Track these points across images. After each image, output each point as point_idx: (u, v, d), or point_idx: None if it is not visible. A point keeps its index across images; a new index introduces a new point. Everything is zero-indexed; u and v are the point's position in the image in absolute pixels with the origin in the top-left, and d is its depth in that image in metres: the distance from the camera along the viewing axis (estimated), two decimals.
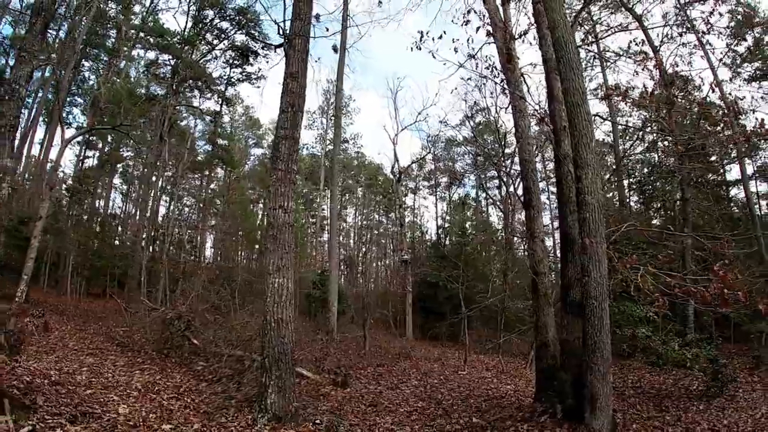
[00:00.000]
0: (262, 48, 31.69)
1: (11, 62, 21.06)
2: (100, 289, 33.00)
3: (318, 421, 7.94)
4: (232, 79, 35.39)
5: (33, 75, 7.79)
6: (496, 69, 13.02)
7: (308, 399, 9.83)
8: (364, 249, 56.57)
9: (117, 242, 38.05)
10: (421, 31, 12.49)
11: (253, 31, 31.61)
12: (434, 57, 12.71)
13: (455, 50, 12.50)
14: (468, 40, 12.63)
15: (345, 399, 10.85)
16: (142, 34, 31.22)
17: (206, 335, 13.40)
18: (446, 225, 46.12)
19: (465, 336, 21.51)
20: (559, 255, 10.90)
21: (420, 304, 32.03)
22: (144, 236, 28.83)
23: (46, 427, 6.00)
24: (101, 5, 25.55)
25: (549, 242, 33.69)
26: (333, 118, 34.91)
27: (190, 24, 30.45)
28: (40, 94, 31.17)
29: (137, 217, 35.07)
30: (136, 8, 31.77)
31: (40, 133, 35.44)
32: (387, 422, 8.98)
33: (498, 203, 34.52)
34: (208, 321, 14.62)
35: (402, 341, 25.28)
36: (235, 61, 34.07)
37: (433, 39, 12.38)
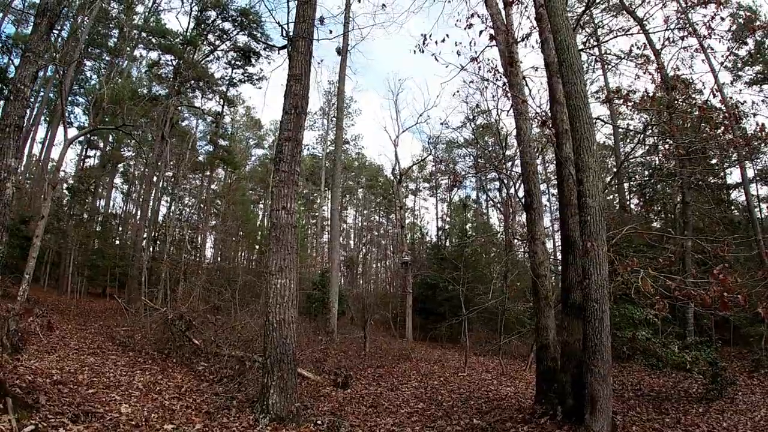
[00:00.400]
0: (265, 49, 31.73)
1: (15, 61, 21.12)
2: (100, 288, 33.14)
3: (319, 422, 7.97)
4: (234, 80, 35.44)
5: (38, 75, 7.81)
6: (498, 72, 13.07)
7: (309, 400, 9.87)
8: (364, 250, 56.57)
9: (117, 242, 38.17)
10: (424, 34, 12.55)
11: (255, 32, 31.63)
12: (437, 60, 12.75)
13: (458, 53, 12.52)
14: (470, 43, 12.67)
15: (346, 400, 10.89)
16: (144, 35, 31.27)
17: (207, 336, 13.42)
18: (446, 227, 46.19)
19: (465, 338, 21.51)
20: (559, 257, 10.91)
21: (420, 306, 32.05)
22: (145, 236, 28.85)
23: (49, 426, 6.02)
24: (104, 5, 25.58)
25: (549, 245, 33.74)
26: (334, 119, 34.97)
27: (192, 24, 30.49)
28: (42, 94, 31.27)
29: (138, 217, 35.13)
30: (139, 8, 31.82)
31: (41, 132, 35.57)
32: (388, 423, 9.01)
33: (498, 205, 34.55)
34: (209, 321, 14.65)
35: (402, 342, 25.29)
36: (237, 62, 34.10)
37: (435, 42, 12.42)
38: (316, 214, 52.36)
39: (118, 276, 32.13)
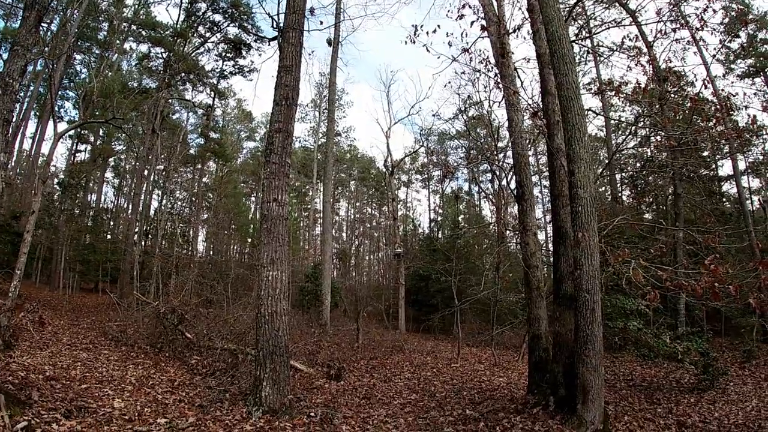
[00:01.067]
0: (255, 41, 31.54)
1: (4, 55, 20.94)
2: (92, 283, 33.09)
3: (312, 414, 7.98)
4: (225, 72, 35.24)
5: (26, 69, 7.73)
6: (490, 63, 13.03)
7: (302, 392, 9.87)
8: (356, 242, 56.56)
9: (109, 236, 38.02)
10: (415, 25, 12.48)
11: (245, 24, 31.44)
12: (428, 51, 12.66)
13: (449, 44, 12.47)
14: (462, 34, 12.61)
15: (339, 392, 10.90)
16: (134, 27, 31.05)
17: (199, 329, 13.40)
18: (439, 218, 46.23)
19: (458, 329, 21.59)
20: (551, 248, 10.94)
21: (412, 297, 32.12)
22: (136, 230, 28.74)
23: (42, 422, 6.03)
24: None
25: (541, 236, 33.84)
26: (326, 111, 34.85)
27: (182, 16, 30.28)
28: (31, 88, 31.02)
29: (129, 211, 34.99)
30: (128, 0, 31.57)
31: (31, 127, 35.35)
32: (381, 414, 9.02)
33: (491, 197, 34.59)
34: (202, 315, 14.61)
35: (395, 334, 25.35)
36: (228, 54, 33.90)
37: (427, 33, 12.36)
38: (309, 206, 52.24)
39: (110, 271, 32.08)
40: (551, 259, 11.37)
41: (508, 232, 23.44)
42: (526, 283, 11.49)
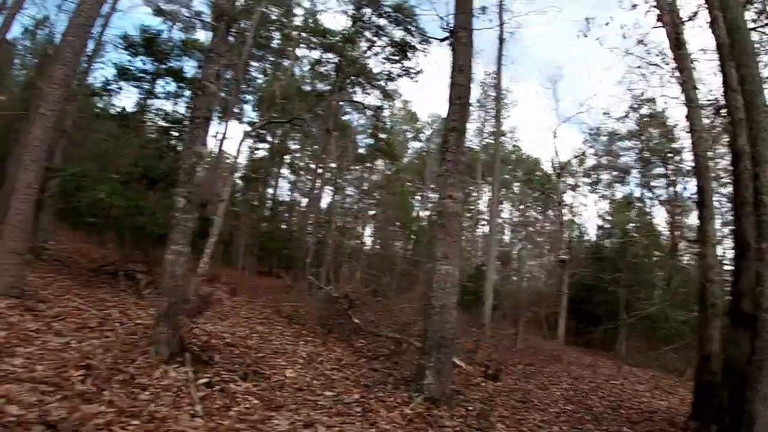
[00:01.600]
0: (420, 42, 31.95)
1: (189, 64, 23.46)
2: (267, 267, 35.80)
3: (470, 408, 8.12)
4: (392, 75, 36.13)
5: (220, 73, 8.71)
6: (665, 56, 12.38)
7: (460, 386, 10.05)
8: (519, 246, 55.53)
9: (285, 226, 40.95)
10: (588, 18, 12.21)
11: (410, 27, 32.07)
12: (601, 44, 12.33)
13: (623, 36, 12.04)
14: (634, 25, 12.13)
15: (495, 392, 10.92)
16: (304, 35, 32.98)
17: (366, 316, 14.04)
18: (607, 225, 44.17)
19: (622, 345, 20.62)
20: (728, 262, 10.20)
21: (574, 307, 31.04)
22: (310, 222, 30.70)
23: (221, 380, 6.76)
24: (264, 8, 27.23)
25: (718, 250, 31.22)
26: (492, 110, 34.68)
27: (349, 23, 31.66)
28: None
29: (305, 204, 37.40)
30: (298, 11, 33.57)
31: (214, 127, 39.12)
32: (535, 419, 8.96)
33: (665, 203, 32.52)
34: (369, 303, 15.28)
35: (553, 343, 24.76)
36: (394, 57, 34.72)
37: (599, 26, 12.05)
38: (472, 207, 52.16)
39: (285, 257, 34.44)
40: (727, 276, 10.58)
41: (682, 243, 22.00)
42: (701, 300, 10.82)
